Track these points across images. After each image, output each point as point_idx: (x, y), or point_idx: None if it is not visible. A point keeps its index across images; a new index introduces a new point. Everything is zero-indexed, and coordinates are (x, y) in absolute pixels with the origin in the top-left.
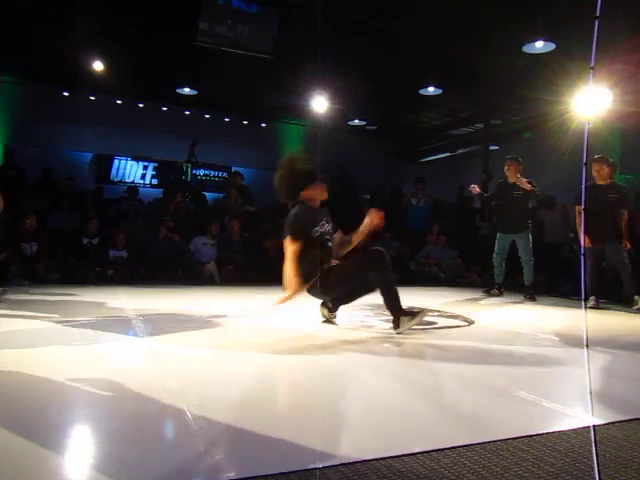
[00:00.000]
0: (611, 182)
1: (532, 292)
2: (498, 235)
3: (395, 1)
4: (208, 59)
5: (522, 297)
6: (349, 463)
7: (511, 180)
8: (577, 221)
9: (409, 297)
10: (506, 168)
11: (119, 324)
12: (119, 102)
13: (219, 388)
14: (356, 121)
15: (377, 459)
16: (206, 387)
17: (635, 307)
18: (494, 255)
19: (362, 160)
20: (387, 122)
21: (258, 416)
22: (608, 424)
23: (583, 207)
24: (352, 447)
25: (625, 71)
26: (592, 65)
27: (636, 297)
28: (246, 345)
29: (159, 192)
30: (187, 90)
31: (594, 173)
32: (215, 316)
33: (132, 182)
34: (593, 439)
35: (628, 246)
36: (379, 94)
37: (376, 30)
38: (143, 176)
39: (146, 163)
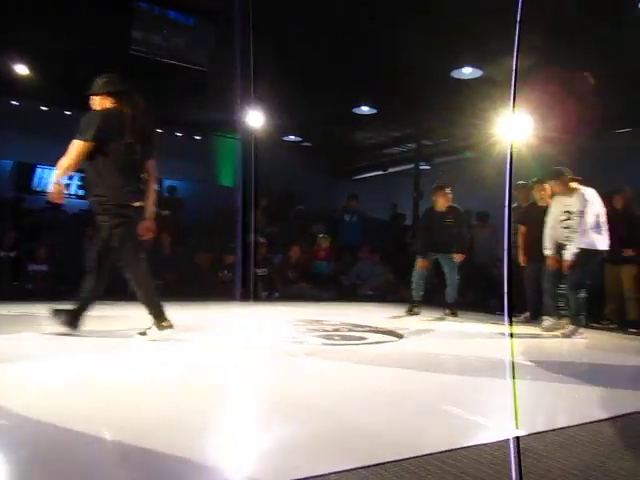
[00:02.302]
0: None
1: (454, 308)
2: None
3: (333, 19)
4: (141, 68)
5: (443, 312)
6: None
7: (440, 209)
8: (517, 240)
9: (344, 313)
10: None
11: (41, 340)
12: (44, 109)
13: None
14: (291, 137)
15: None
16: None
17: (543, 325)
18: (414, 272)
19: (298, 176)
20: (322, 139)
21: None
22: (529, 435)
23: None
24: (274, 466)
25: (544, 98)
26: (515, 67)
27: (544, 317)
28: (201, 357)
29: (85, 203)
30: None
31: (536, 195)
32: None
33: None
34: (513, 450)
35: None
36: (314, 111)
37: (312, 47)
38: (68, 186)
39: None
